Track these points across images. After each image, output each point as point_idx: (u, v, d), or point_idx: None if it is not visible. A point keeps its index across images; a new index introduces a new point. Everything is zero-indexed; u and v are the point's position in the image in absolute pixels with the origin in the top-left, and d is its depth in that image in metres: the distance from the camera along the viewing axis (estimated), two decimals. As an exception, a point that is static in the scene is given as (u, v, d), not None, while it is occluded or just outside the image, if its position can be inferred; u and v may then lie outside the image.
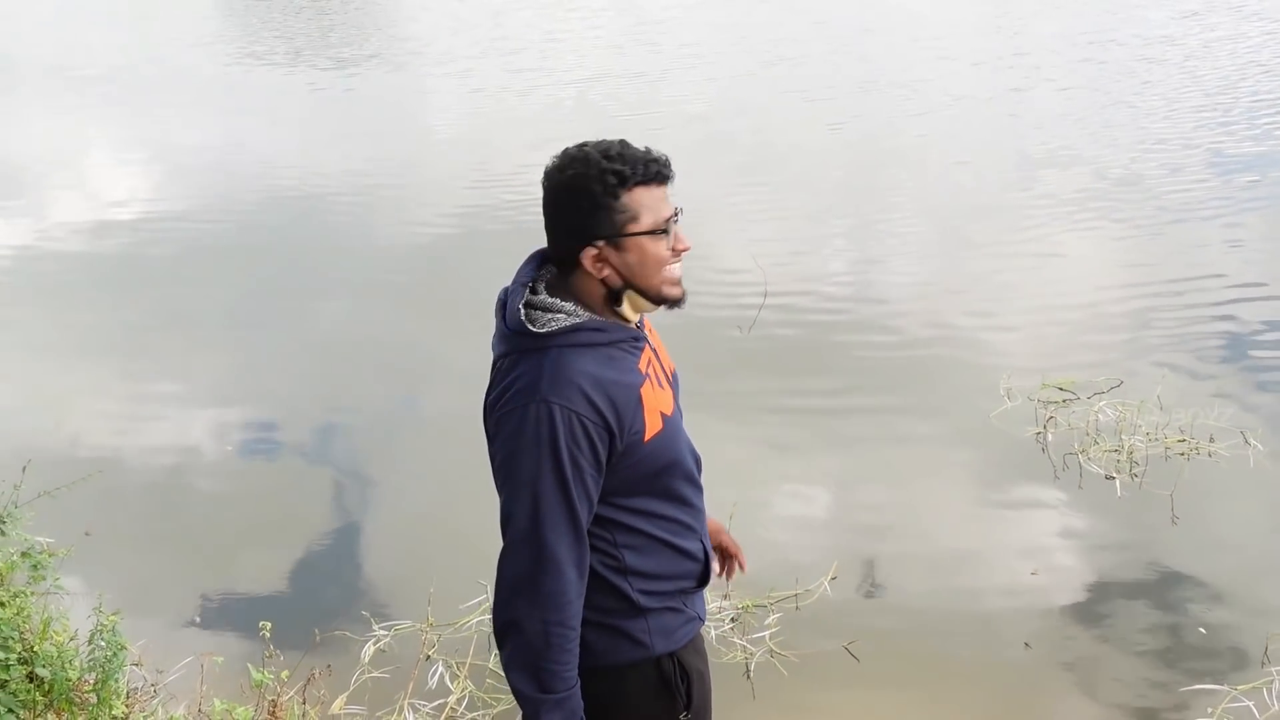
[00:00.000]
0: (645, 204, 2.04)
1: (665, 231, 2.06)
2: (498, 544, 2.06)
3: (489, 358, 2.15)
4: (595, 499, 2.07)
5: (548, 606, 2.03)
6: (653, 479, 2.15)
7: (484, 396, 2.10)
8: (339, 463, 5.44)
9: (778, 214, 8.15)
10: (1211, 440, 4.97)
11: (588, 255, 2.05)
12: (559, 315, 2.05)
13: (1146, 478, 4.78)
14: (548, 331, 2.03)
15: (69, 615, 3.56)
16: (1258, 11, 13.81)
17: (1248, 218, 7.59)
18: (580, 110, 10.90)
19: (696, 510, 2.26)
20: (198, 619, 4.34)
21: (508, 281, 2.13)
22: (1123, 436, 5.01)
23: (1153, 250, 7.19)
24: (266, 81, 13.14)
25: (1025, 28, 13.67)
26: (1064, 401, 5.31)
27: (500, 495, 2.07)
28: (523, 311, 2.05)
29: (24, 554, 3.53)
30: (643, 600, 2.18)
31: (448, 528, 4.77)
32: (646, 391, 2.10)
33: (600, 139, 2.07)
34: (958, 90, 11.13)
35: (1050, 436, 5.09)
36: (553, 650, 2.04)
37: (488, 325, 2.14)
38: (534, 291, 2.10)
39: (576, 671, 2.09)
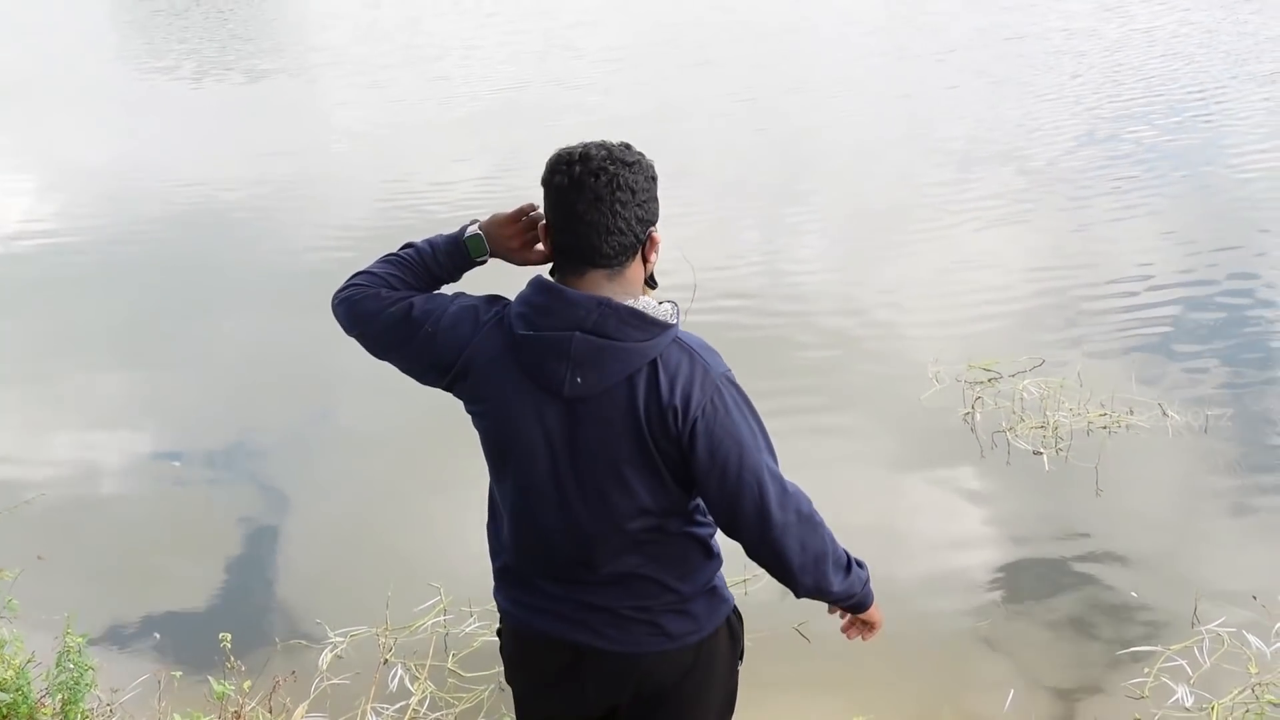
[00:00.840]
0: None
1: None
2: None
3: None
4: None
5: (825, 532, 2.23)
6: None
7: (634, 419, 2.07)
8: (263, 478, 5.39)
9: (705, 215, 8.24)
10: (1131, 413, 5.19)
11: (656, 238, 2.15)
12: (659, 306, 2.12)
13: (1071, 451, 4.98)
14: (669, 315, 2.10)
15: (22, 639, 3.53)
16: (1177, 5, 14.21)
17: (1164, 207, 7.86)
18: (504, 117, 10.84)
19: None
20: (142, 638, 4.31)
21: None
22: (1047, 413, 5.21)
23: (1070, 240, 7.41)
24: (173, 95, 12.80)
25: (948, 23, 13.92)
26: (990, 382, 5.49)
27: (744, 472, 2.12)
28: (644, 306, 2.09)
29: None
30: (718, 549, 2.31)
31: (387, 535, 4.79)
32: None
33: (597, 140, 2.12)
34: (880, 87, 11.33)
35: (978, 416, 5.27)
36: (840, 549, 2.27)
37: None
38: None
39: None
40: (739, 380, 2.16)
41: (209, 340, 6.81)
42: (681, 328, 2.14)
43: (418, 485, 5.15)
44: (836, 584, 2.25)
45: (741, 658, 2.43)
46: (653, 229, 2.14)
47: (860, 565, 2.31)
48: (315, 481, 5.32)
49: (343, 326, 2.30)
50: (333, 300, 2.28)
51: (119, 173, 10.27)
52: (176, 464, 5.51)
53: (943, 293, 6.70)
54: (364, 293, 2.24)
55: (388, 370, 2.26)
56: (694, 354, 2.11)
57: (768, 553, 2.19)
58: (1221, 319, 6.15)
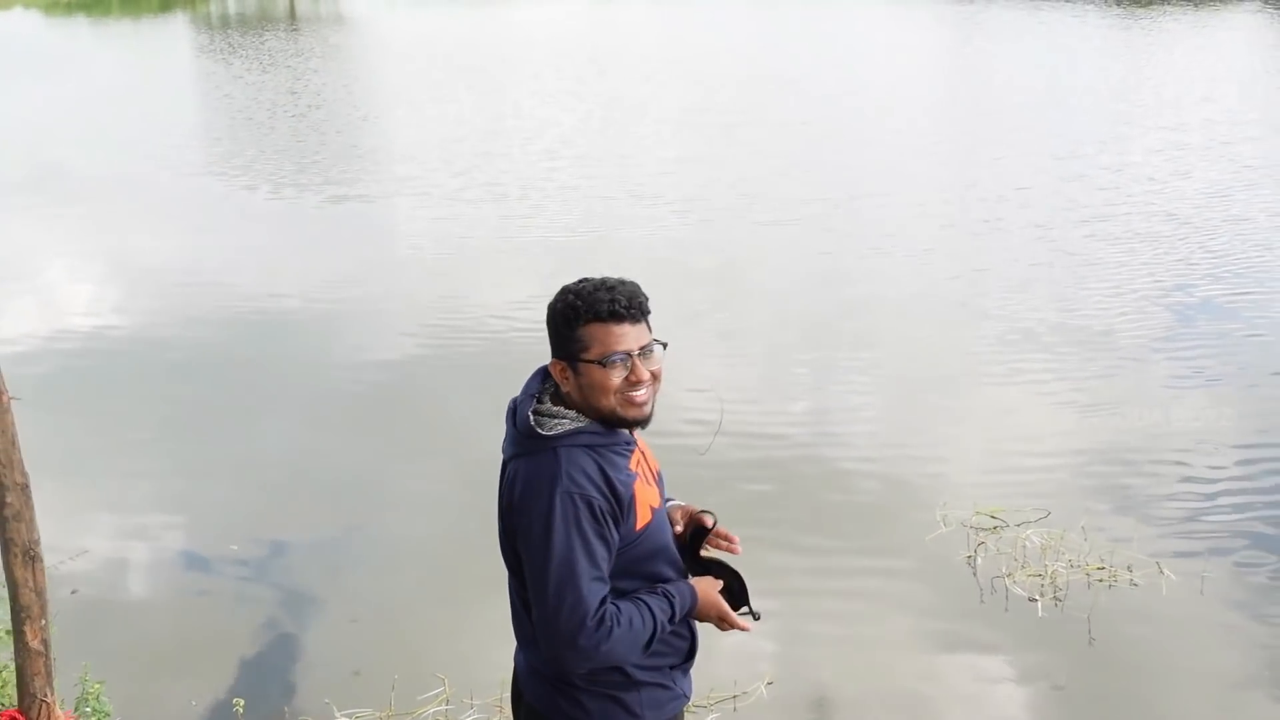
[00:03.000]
0: (596, 337, 2.42)
1: (615, 362, 2.42)
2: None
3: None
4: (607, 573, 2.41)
5: (612, 638, 2.39)
6: (645, 562, 2.50)
7: (497, 499, 2.54)
8: (291, 578, 5.52)
9: (740, 344, 8.55)
10: (1129, 569, 5.34)
11: (554, 366, 2.48)
12: (563, 420, 2.44)
13: (1067, 602, 5.14)
14: (554, 434, 2.42)
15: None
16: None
17: (1178, 365, 8.05)
18: (562, 252, 11.18)
19: None
20: (163, 703, 4.55)
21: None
22: (1046, 563, 5.38)
23: (1091, 395, 7.58)
24: (248, 206, 13.33)
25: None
26: (994, 529, 5.68)
27: (536, 575, 2.38)
28: (532, 418, 2.44)
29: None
30: (637, 674, 2.51)
31: (399, 632, 5.02)
32: (639, 487, 2.47)
33: (602, 276, 2.50)
34: (927, 237, 11.63)
35: (980, 561, 5.45)
36: (637, 634, 2.42)
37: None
38: (540, 401, 2.48)
39: (661, 600, 2.47)
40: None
41: (250, 445, 6.95)
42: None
43: (433, 591, 5.37)
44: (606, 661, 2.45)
45: None
46: (555, 361, 2.51)
47: (620, 618, 2.41)
48: (340, 584, 5.47)
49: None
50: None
51: (181, 273, 10.55)
52: (209, 562, 5.70)
53: (964, 444, 6.89)
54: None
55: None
56: (559, 464, 2.38)
57: (546, 657, 2.45)
58: (1241, 488, 6.26)
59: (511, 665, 2.73)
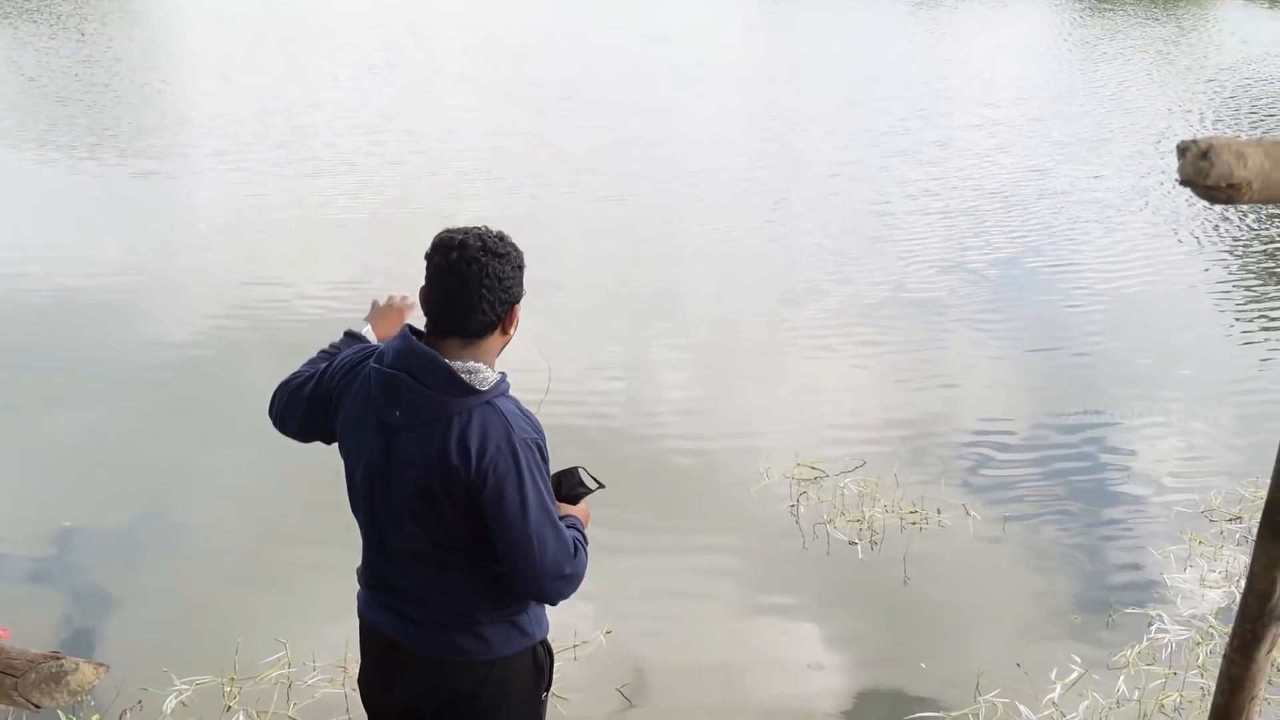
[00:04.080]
0: None
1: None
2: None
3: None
4: None
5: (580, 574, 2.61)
6: None
7: (430, 462, 2.47)
8: (83, 566, 5.28)
9: (562, 315, 8.64)
10: (939, 512, 5.73)
11: (516, 312, 2.54)
12: (486, 374, 2.49)
13: (884, 544, 5.48)
14: (488, 388, 2.48)
15: None
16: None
17: (981, 331, 8.60)
18: (372, 222, 11.02)
19: None
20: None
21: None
22: (864, 509, 5.72)
23: (911, 362, 7.98)
24: (41, 176, 12.50)
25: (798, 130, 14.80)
26: (814, 479, 5.99)
27: (515, 523, 2.47)
28: (468, 375, 2.46)
29: None
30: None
31: (234, 601, 4.98)
32: None
33: (477, 228, 2.54)
34: (731, 214, 12.00)
35: (802, 509, 5.75)
36: (579, 553, 2.61)
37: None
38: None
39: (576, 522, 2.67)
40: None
41: (47, 432, 6.56)
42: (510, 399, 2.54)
43: (252, 572, 5.22)
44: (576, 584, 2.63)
45: (549, 689, 2.78)
46: (515, 305, 2.55)
47: (580, 543, 2.65)
48: (150, 570, 5.29)
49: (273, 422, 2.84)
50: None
51: None
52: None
53: (781, 408, 7.20)
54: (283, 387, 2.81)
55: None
56: (504, 416, 2.49)
57: (534, 597, 2.63)
58: (1037, 442, 6.75)
59: (353, 630, 2.81)
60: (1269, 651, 2.37)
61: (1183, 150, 1.70)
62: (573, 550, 2.56)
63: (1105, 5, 32.89)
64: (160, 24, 22.90)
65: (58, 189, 12.02)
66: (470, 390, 2.46)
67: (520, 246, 2.58)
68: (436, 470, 2.46)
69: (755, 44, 25.66)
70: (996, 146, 14.98)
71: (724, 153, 14.43)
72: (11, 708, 1.80)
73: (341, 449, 2.66)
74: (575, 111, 16.44)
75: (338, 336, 2.91)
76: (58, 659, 1.81)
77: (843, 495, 5.85)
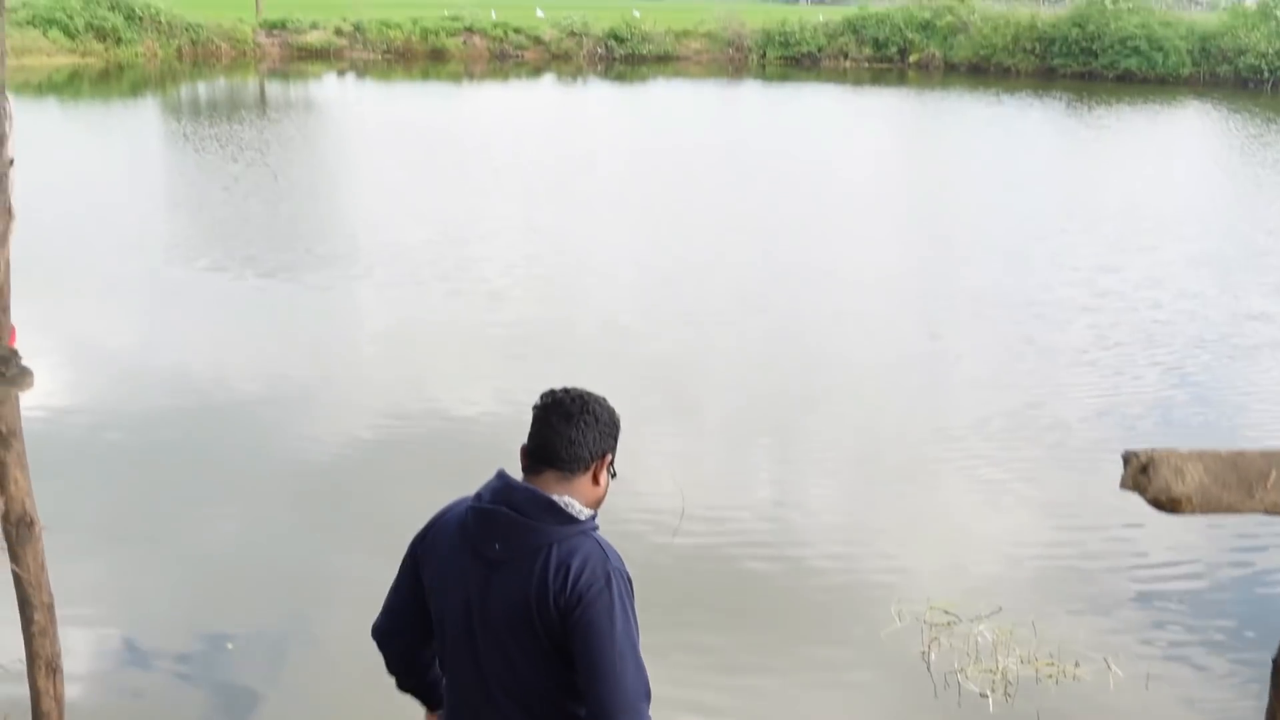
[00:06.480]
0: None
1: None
2: None
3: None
4: None
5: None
6: None
7: (527, 587, 2.62)
8: (226, 673, 5.54)
9: (696, 435, 8.79)
10: (1077, 665, 5.65)
11: (605, 462, 2.77)
12: (581, 508, 2.71)
13: (1017, 698, 5.43)
14: (586, 519, 2.70)
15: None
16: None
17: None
18: (516, 344, 11.35)
19: None
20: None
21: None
22: (998, 658, 5.68)
23: (1045, 490, 7.91)
24: (213, 287, 13.05)
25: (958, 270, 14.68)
26: (948, 624, 5.98)
27: (605, 649, 2.62)
28: (568, 506, 2.67)
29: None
30: None
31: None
32: None
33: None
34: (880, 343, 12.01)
35: (934, 656, 5.74)
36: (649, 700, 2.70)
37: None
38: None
39: None
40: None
41: (194, 537, 6.83)
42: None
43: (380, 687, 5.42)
44: None
45: None
46: (609, 455, 2.77)
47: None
48: (287, 681, 5.50)
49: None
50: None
51: (134, 354, 10.32)
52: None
53: (923, 540, 7.18)
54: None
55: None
56: (601, 546, 2.69)
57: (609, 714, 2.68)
58: (1184, 589, 6.58)
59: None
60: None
61: (1126, 460, 1.74)
62: (648, 691, 2.67)
63: None
64: (334, 148, 24.23)
65: (230, 302, 12.69)
66: (569, 519, 2.66)
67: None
68: (534, 592, 2.60)
69: (919, 173, 25.67)
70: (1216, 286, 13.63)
71: (894, 289, 14.47)
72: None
73: (431, 602, 2.82)
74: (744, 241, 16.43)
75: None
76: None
77: (976, 643, 5.82)
